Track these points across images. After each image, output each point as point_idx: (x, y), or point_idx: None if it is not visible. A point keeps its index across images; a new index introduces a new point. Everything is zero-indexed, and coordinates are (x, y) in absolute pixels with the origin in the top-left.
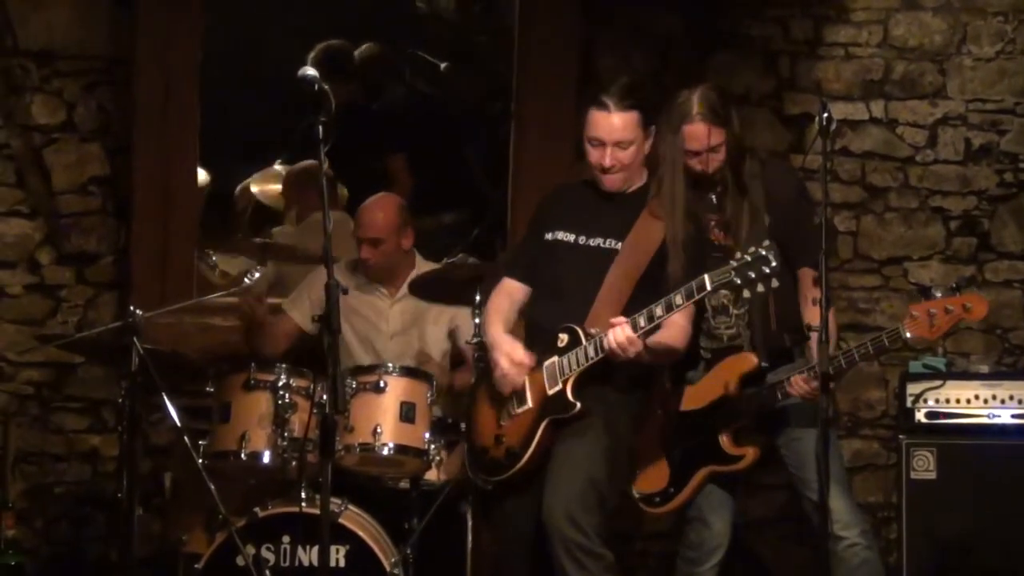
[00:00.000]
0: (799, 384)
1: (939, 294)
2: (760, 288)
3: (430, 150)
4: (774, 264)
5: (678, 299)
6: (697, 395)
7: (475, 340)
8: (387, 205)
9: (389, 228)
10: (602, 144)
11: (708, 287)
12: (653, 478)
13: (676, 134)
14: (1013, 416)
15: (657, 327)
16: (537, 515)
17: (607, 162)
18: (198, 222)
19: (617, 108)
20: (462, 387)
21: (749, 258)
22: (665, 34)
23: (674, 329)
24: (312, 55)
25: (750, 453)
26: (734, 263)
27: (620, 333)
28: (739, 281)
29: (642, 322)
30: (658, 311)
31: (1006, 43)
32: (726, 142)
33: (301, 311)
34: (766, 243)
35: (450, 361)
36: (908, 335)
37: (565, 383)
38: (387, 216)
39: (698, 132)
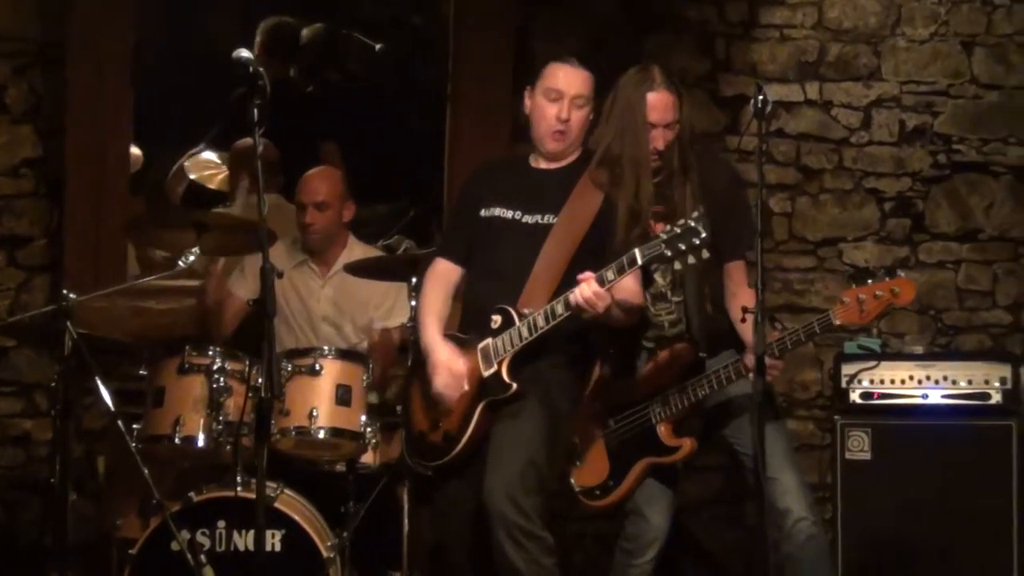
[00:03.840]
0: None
1: (878, 275)
2: (691, 260)
3: (364, 138)
4: (704, 235)
5: (609, 274)
6: (636, 386)
7: (411, 324)
8: (332, 173)
9: (333, 194)
10: (560, 97)
11: (639, 260)
12: (593, 471)
13: (638, 101)
14: (944, 396)
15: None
16: (476, 499)
17: (565, 114)
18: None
19: (579, 64)
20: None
21: (679, 229)
22: (600, 16)
23: (627, 290)
24: (260, 29)
25: (687, 444)
26: (663, 235)
27: (586, 289)
28: (670, 253)
29: (610, 275)
30: (609, 275)
31: (940, 25)
32: (679, 123)
33: (246, 288)
34: (695, 214)
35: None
36: (838, 321)
37: (500, 364)
38: (332, 182)
39: (664, 101)
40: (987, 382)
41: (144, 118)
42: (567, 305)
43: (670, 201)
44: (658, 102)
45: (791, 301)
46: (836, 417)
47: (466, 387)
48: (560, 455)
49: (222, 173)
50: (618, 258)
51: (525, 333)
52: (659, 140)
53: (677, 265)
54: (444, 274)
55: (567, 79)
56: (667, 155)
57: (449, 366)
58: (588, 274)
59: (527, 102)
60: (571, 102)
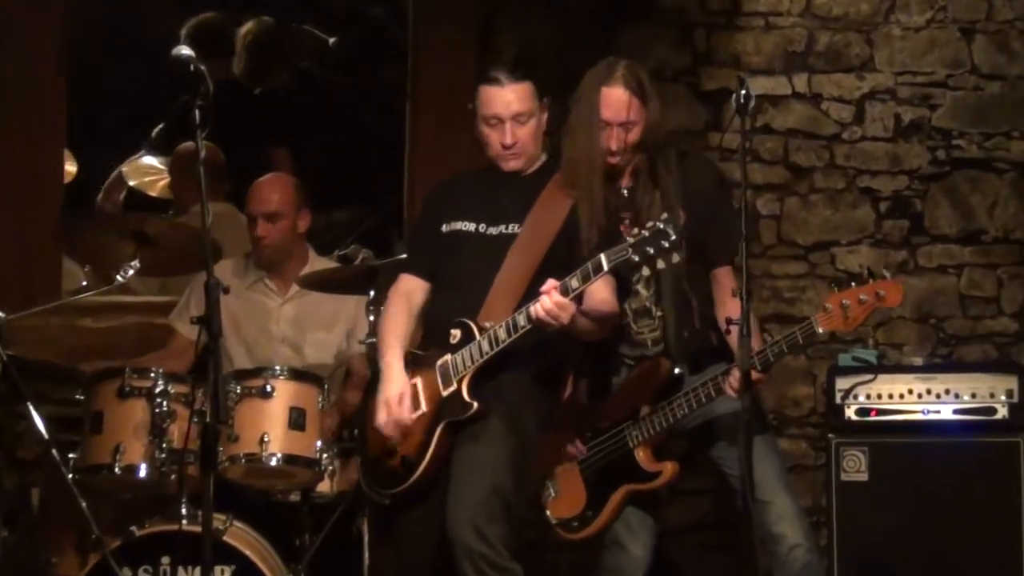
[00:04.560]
0: (732, 383)
1: (863, 277)
2: (661, 264)
3: (318, 141)
4: (673, 237)
5: (574, 283)
6: (611, 408)
7: (368, 341)
8: (284, 180)
9: (286, 203)
10: (500, 122)
11: (605, 266)
12: (570, 501)
13: (593, 96)
14: (947, 411)
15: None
16: (439, 528)
17: (508, 139)
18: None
19: (509, 80)
20: (352, 405)
21: (647, 232)
22: (572, 6)
23: (597, 299)
24: (184, 30)
25: (668, 469)
26: (630, 239)
27: (547, 300)
28: (637, 258)
29: (575, 284)
30: (574, 283)
31: (936, 11)
32: (644, 123)
33: (187, 322)
34: (664, 216)
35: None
36: (821, 330)
37: (460, 382)
38: (285, 191)
39: (618, 97)
40: (993, 395)
41: (78, 121)
42: (528, 317)
43: (637, 207)
44: (611, 98)
45: (780, 310)
46: (830, 435)
47: (424, 407)
48: (528, 480)
49: (164, 179)
50: (583, 265)
51: (486, 348)
52: (611, 139)
53: (646, 271)
54: (409, 292)
55: (501, 102)
56: (624, 157)
57: (391, 406)
58: (551, 283)
59: (476, 123)
60: (512, 123)
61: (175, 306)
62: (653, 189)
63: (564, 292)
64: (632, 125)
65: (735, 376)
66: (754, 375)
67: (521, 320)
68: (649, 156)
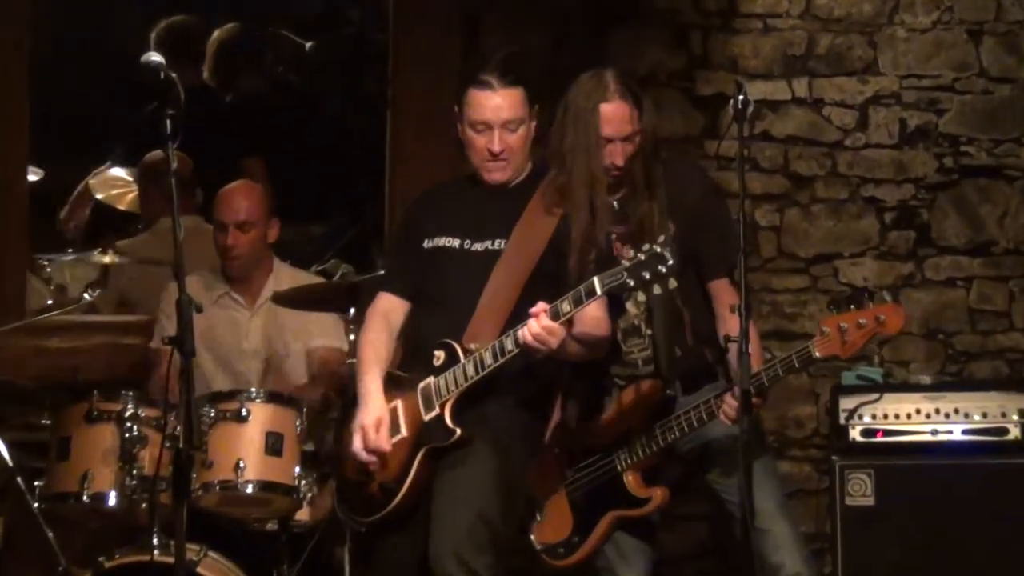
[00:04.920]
0: (727, 410)
1: (863, 300)
2: (657, 289)
3: (295, 151)
4: (671, 262)
5: (565, 307)
6: (600, 431)
7: (348, 362)
8: (253, 188)
9: (256, 212)
10: (488, 128)
11: (598, 290)
12: (555, 526)
13: (591, 116)
14: (956, 432)
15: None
16: (421, 558)
17: (497, 147)
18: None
19: (501, 85)
20: (311, 401)
21: (643, 256)
22: (560, 7)
23: (590, 320)
24: (153, 34)
25: (658, 495)
26: (626, 262)
27: (535, 324)
28: (632, 283)
29: (566, 307)
30: (565, 307)
31: (943, 12)
32: (640, 133)
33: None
34: (661, 239)
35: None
36: (818, 354)
37: (443, 407)
38: (255, 199)
39: (619, 113)
40: (1004, 415)
41: (42, 131)
42: (516, 342)
43: (633, 220)
44: (612, 114)
45: (781, 327)
46: (834, 458)
47: (404, 432)
48: (516, 507)
49: (132, 192)
50: (575, 287)
51: (471, 371)
52: (617, 155)
53: (641, 296)
54: (387, 311)
55: (491, 107)
56: (627, 170)
57: (368, 433)
58: (541, 306)
59: (459, 129)
60: (501, 130)
61: (144, 325)
62: (648, 201)
63: (555, 316)
64: (634, 136)
65: (729, 403)
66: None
67: (509, 344)
68: (644, 166)
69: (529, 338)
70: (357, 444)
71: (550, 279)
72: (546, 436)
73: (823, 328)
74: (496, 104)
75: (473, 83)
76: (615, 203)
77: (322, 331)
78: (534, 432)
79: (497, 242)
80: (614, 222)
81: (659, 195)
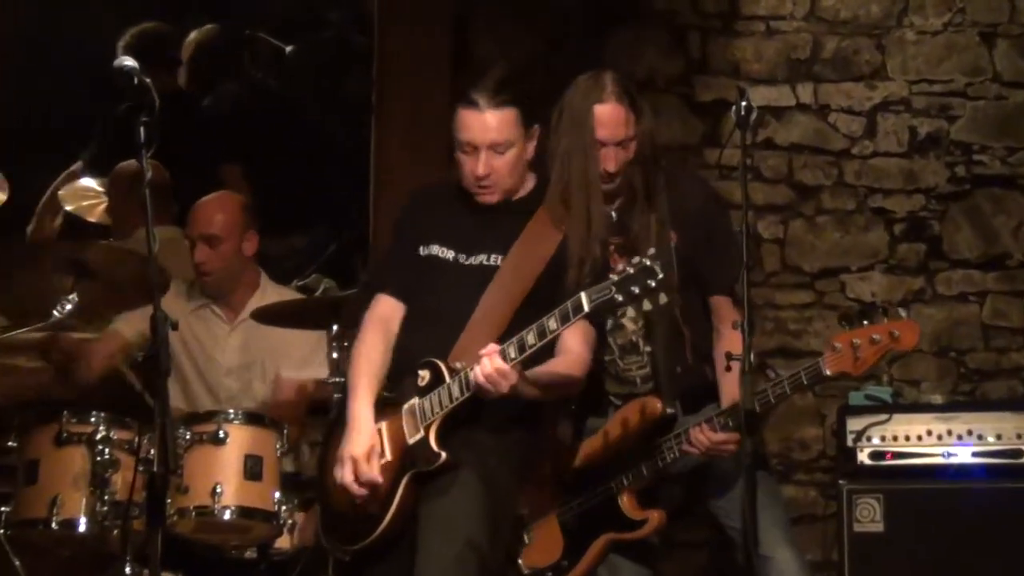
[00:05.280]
0: (699, 437)
1: (876, 315)
2: (647, 305)
3: (275, 159)
4: (661, 276)
5: (552, 323)
6: (593, 449)
7: (331, 381)
8: (228, 201)
9: (229, 225)
10: (475, 150)
11: (586, 307)
12: (544, 549)
13: (585, 117)
14: (969, 454)
15: (547, 353)
16: None
17: (481, 170)
18: None
19: (490, 105)
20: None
21: (631, 270)
22: (555, 9)
23: (569, 356)
24: (124, 40)
25: (655, 517)
26: (614, 276)
27: (487, 364)
28: (621, 298)
29: (512, 352)
30: (530, 338)
31: (954, 13)
32: (637, 139)
33: (131, 325)
34: (652, 252)
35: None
36: (828, 372)
37: (428, 429)
38: (228, 212)
39: (614, 115)
40: (1019, 437)
41: (8, 141)
42: (467, 385)
43: (630, 231)
44: (607, 116)
45: (785, 344)
46: (842, 482)
47: (388, 456)
48: (504, 533)
49: (103, 203)
50: (562, 304)
51: (456, 392)
52: (609, 160)
53: (631, 312)
54: (387, 317)
55: (479, 128)
56: (622, 177)
57: (359, 464)
58: (492, 347)
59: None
60: (488, 152)
61: None
62: (647, 211)
63: (521, 349)
64: (629, 142)
65: (704, 433)
66: (720, 437)
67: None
68: (643, 174)
69: (481, 379)
70: (348, 476)
71: (546, 302)
72: (538, 456)
73: (834, 344)
74: (483, 125)
75: (463, 102)
76: (612, 213)
77: (298, 363)
78: (524, 454)
79: (493, 258)
80: (611, 232)
81: (659, 205)
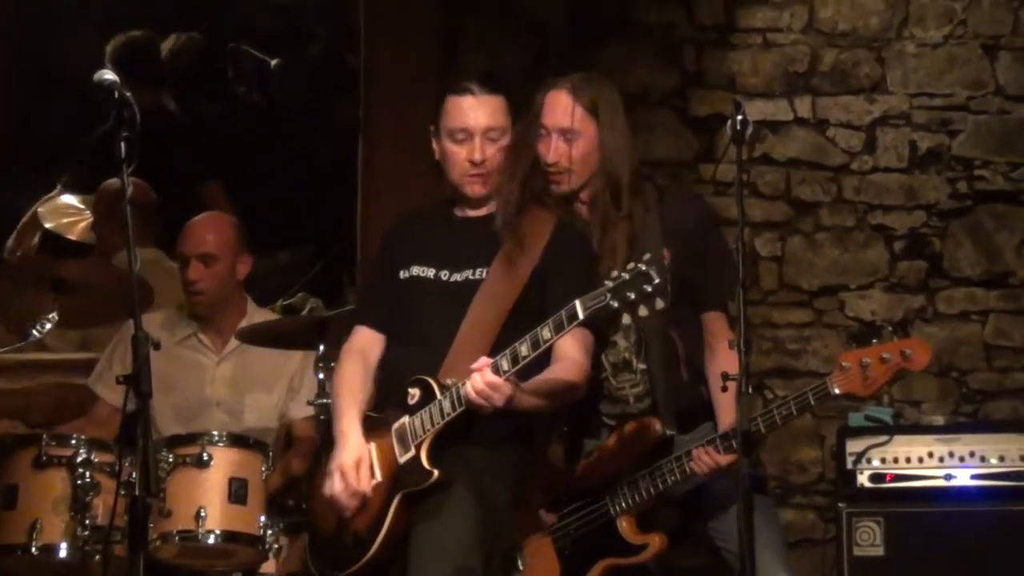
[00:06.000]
0: (704, 459)
1: (885, 333)
2: (644, 312)
3: (259, 175)
4: (657, 280)
5: (546, 333)
6: (590, 473)
7: (318, 402)
8: (222, 220)
9: (225, 245)
10: (469, 136)
11: (580, 314)
12: (540, 575)
13: (538, 101)
14: (971, 477)
15: (543, 364)
16: None
17: (478, 155)
18: None
19: (482, 91)
20: (296, 472)
21: (627, 276)
22: (545, 21)
23: (567, 363)
24: (109, 50)
25: (656, 541)
26: (609, 283)
27: (478, 379)
28: (616, 304)
29: (505, 365)
30: (523, 349)
31: (956, 25)
32: (593, 143)
33: (110, 385)
34: (647, 256)
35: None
36: (837, 391)
37: (419, 448)
38: (223, 232)
39: (557, 101)
40: (1023, 459)
41: None
42: (459, 400)
43: (601, 247)
44: (552, 100)
45: (783, 364)
46: (841, 505)
47: (378, 476)
48: (497, 556)
49: (84, 220)
50: (556, 314)
51: (448, 408)
52: (547, 148)
53: (627, 320)
54: (364, 348)
55: (472, 114)
56: (567, 180)
57: (348, 475)
58: (484, 360)
59: (435, 146)
60: (483, 138)
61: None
62: (613, 231)
63: (514, 361)
64: (574, 136)
65: (710, 455)
66: (722, 457)
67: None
68: (611, 191)
69: (472, 395)
70: (337, 487)
71: (534, 312)
72: (531, 476)
73: (842, 363)
74: (477, 108)
75: (452, 90)
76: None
77: (291, 388)
78: (518, 474)
79: (477, 271)
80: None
81: (636, 219)
